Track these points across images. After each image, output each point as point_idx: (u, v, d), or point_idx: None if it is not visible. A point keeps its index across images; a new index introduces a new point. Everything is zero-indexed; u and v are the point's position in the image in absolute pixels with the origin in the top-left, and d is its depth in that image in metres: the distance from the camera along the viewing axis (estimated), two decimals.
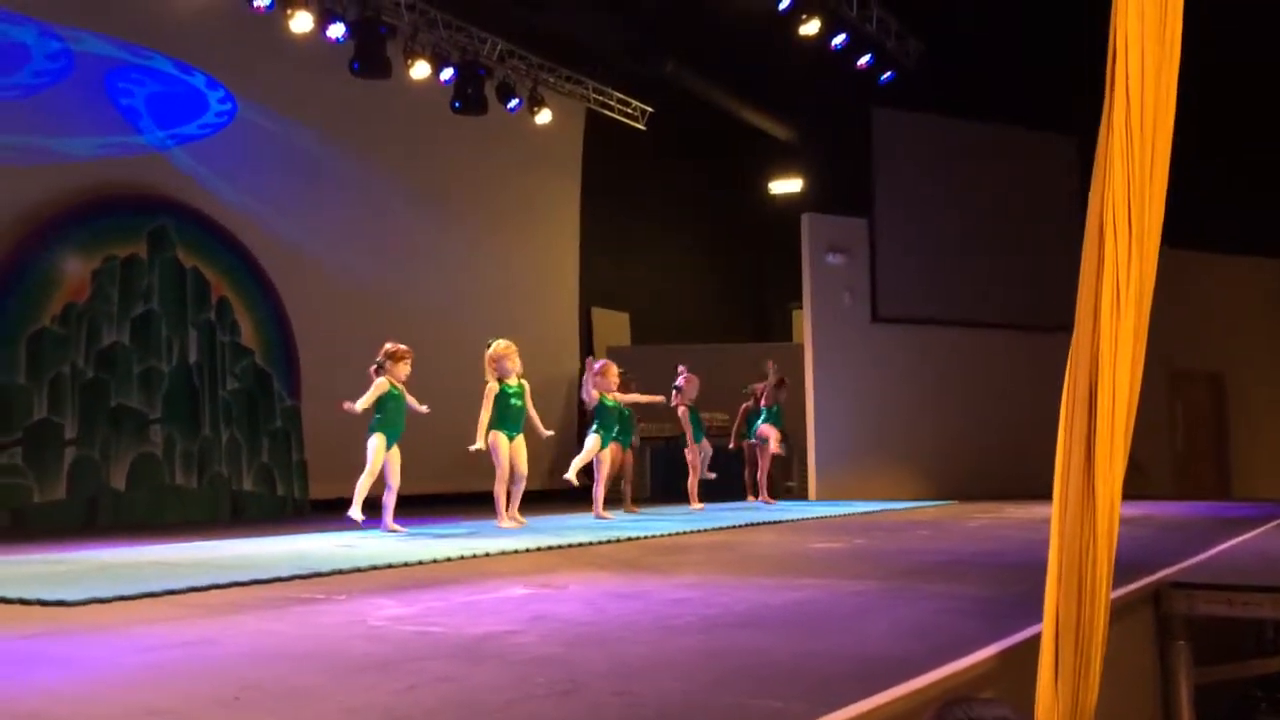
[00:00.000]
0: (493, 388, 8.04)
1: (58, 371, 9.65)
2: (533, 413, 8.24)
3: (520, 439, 8.13)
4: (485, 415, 7.98)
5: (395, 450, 7.61)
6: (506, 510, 8.10)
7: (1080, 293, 2.38)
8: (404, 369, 7.71)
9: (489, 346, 8.15)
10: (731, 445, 11.52)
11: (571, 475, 8.84)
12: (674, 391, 10.64)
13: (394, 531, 7.42)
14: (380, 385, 7.58)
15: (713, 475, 10.82)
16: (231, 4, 10.56)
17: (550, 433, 8.58)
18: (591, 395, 9.10)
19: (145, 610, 4.04)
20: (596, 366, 9.33)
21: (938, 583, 4.73)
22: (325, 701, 2.54)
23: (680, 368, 10.80)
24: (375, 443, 7.52)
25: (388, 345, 7.75)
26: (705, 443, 10.77)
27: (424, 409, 7.88)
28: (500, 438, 8.01)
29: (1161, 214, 2.34)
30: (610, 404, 9.11)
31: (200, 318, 10.75)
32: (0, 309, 9.48)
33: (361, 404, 7.47)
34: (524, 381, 8.23)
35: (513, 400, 8.07)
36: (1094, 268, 2.30)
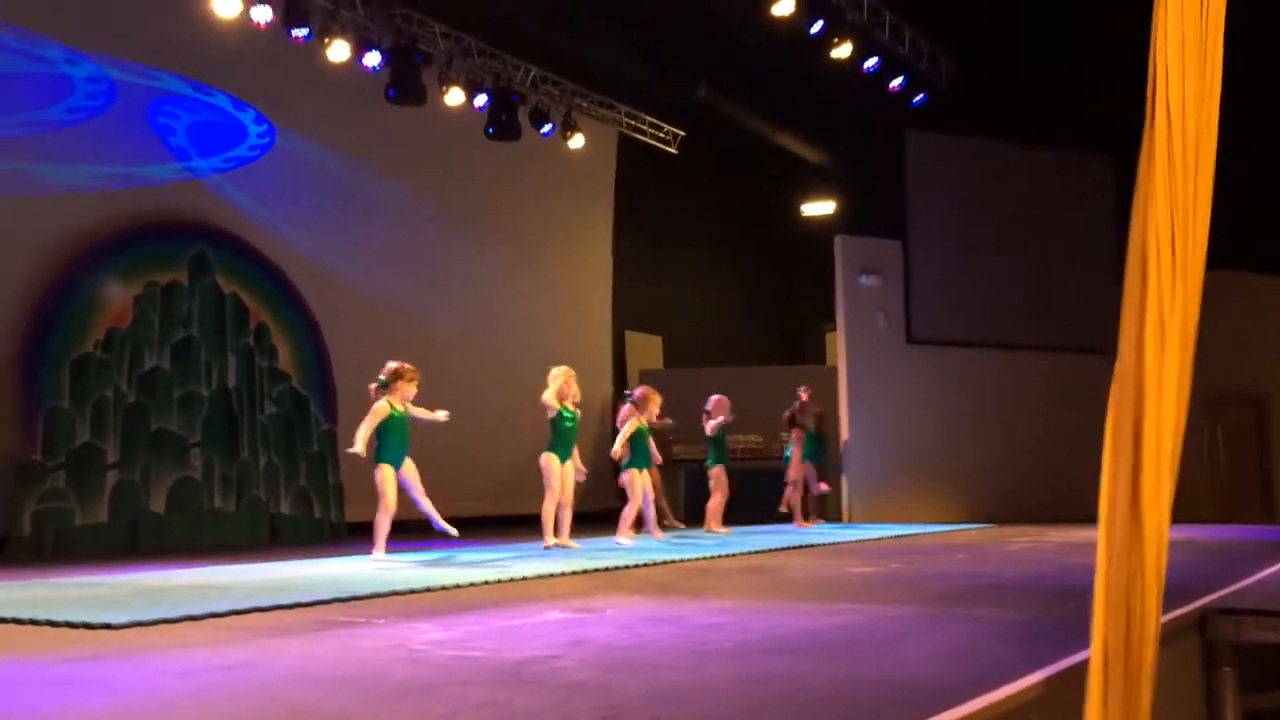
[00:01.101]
0: (556, 406, 8.19)
1: (100, 395, 9.79)
2: (575, 447, 8.39)
3: (570, 464, 8.23)
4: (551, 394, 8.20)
5: (409, 464, 7.35)
6: (557, 534, 8.16)
7: (1123, 325, 2.36)
8: (411, 390, 7.43)
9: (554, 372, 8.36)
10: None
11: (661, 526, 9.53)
12: (704, 414, 10.68)
13: (377, 560, 7.04)
14: (380, 410, 7.24)
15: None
16: (269, 34, 10.73)
17: (584, 473, 8.57)
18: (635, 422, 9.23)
19: (187, 633, 4.08)
20: (638, 394, 9.41)
21: (977, 607, 4.69)
22: None
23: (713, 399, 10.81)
24: (382, 475, 7.23)
25: (393, 364, 7.42)
26: (718, 469, 10.73)
27: (442, 416, 7.57)
28: (554, 459, 8.17)
29: (1205, 243, 2.32)
30: (644, 430, 9.26)
31: (239, 343, 10.88)
32: (45, 334, 9.64)
33: (362, 439, 7.14)
34: (578, 410, 8.37)
35: (567, 423, 8.26)
36: (1137, 300, 2.28)
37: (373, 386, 7.42)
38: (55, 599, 5.32)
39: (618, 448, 9.13)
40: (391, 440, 7.30)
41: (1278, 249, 13.73)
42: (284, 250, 11.51)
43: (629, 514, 9.04)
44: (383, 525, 7.23)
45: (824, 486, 12.01)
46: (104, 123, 10.29)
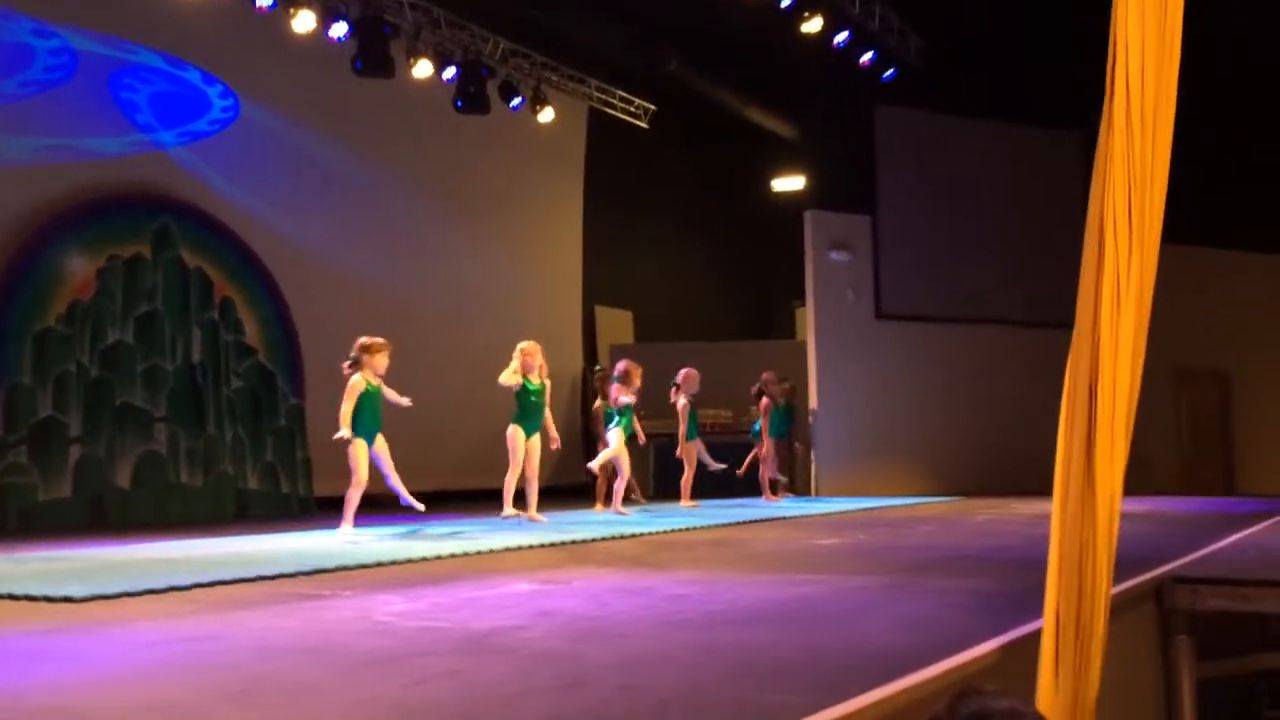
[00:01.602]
0: (517, 382, 8.23)
1: (62, 370, 9.67)
2: (549, 416, 8.46)
3: (536, 438, 8.28)
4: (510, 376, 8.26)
5: (381, 440, 7.28)
6: (527, 510, 8.26)
7: (1080, 292, 2.39)
8: (383, 362, 7.30)
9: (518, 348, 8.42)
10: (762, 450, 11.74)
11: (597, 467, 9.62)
12: (673, 388, 10.72)
13: (344, 535, 6.98)
14: (356, 385, 7.15)
15: (722, 465, 11.04)
16: (234, 3, 10.56)
17: (558, 441, 8.66)
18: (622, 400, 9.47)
19: (150, 606, 4.06)
20: (620, 369, 9.53)
21: (941, 578, 4.74)
22: (332, 696, 2.56)
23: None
24: (355, 450, 7.11)
25: (363, 339, 7.33)
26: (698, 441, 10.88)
27: (406, 401, 7.48)
28: (519, 432, 8.24)
29: (1162, 213, 2.35)
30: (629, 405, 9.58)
31: (204, 317, 10.77)
32: (6, 307, 9.50)
33: (345, 419, 7.05)
34: (546, 382, 8.43)
35: (532, 397, 8.32)
36: (1094, 267, 2.31)
37: (344, 365, 7.33)
38: (17, 573, 5.28)
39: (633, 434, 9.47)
40: (365, 415, 7.21)
41: (1244, 225, 13.89)
42: (250, 223, 11.38)
43: (618, 487, 9.29)
44: (353, 500, 7.20)
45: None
46: (65, 94, 10.11)
